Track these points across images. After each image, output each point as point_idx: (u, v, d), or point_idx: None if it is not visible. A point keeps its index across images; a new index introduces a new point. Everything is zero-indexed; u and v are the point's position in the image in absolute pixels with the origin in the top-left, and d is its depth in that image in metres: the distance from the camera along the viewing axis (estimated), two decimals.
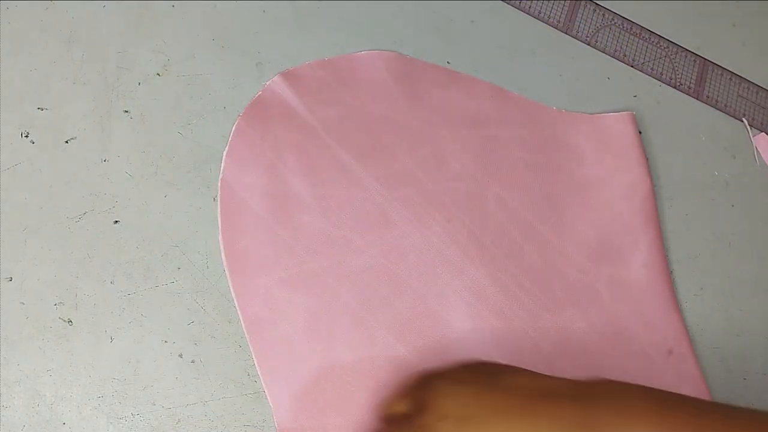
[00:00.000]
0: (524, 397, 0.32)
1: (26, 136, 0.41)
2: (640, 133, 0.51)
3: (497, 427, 0.31)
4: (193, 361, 0.39)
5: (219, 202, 0.42)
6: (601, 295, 0.45)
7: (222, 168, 0.43)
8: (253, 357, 0.39)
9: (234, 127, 0.44)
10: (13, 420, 0.36)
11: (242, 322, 0.40)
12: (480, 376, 0.34)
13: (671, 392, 0.31)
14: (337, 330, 0.40)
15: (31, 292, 0.38)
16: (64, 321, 0.38)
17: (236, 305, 0.40)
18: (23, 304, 0.38)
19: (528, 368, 0.41)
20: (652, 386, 0.39)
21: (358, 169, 0.44)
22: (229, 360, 0.39)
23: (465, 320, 0.42)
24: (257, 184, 0.43)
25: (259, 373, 0.39)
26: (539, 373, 0.34)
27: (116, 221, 0.41)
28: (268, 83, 0.45)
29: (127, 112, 0.43)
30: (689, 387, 0.43)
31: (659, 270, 0.46)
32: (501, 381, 0.33)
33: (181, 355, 0.39)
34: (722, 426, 0.29)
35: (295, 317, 0.40)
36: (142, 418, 0.37)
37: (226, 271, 0.40)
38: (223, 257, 0.41)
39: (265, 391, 0.38)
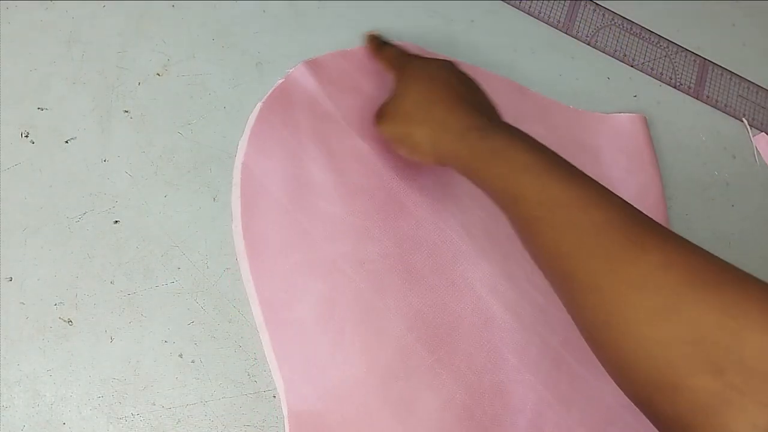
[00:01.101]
0: (460, 102, 0.38)
1: (26, 136, 0.41)
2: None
3: (423, 124, 0.38)
4: (193, 361, 0.39)
5: (239, 186, 0.42)
6: None
7: (242, 152, 0.43)
8: (268, 338, 0.39)
9: (255, 112, 0.44)
10: (13, 420, 0.36)
11: (258, 303, 0.40)
12: (455, 84, 0.40)
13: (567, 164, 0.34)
14: (349, 316, 0.40)
15: (31, 292, 0.38)
16: (64, 321, 0.38)
17: (252, 287, 0.40)
18: (23, 304, 0.38)
19: (537, 364, 0.41)
20: None
21: (376, 158, 0.44)
22: (229, 360, 0.39)
23: (475, 313, 0.42)
24: (277, 169, 0.43)
25: (271, 355, 0.39)
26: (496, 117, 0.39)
27: (116, 221, 0.41)
28: (291, 71, 0.46)
29: (127, 112, 0.43)
30: None
31: None
32: (469, 94, 0.39)
33: (181, 355, 0.39)
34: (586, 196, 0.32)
35: (310, 301, 0.40)
36: (142, 418, 0.37)
37: (243, 254, 0.41)
38: (242, 240, 0.41)
39: (277, 374, 0.39)
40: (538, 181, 0.32)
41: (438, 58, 0.43)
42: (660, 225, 0.30)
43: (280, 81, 0.45)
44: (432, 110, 0.38)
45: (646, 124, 0.51)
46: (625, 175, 0.49)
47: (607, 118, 0.51)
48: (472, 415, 0.40)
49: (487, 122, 0.37)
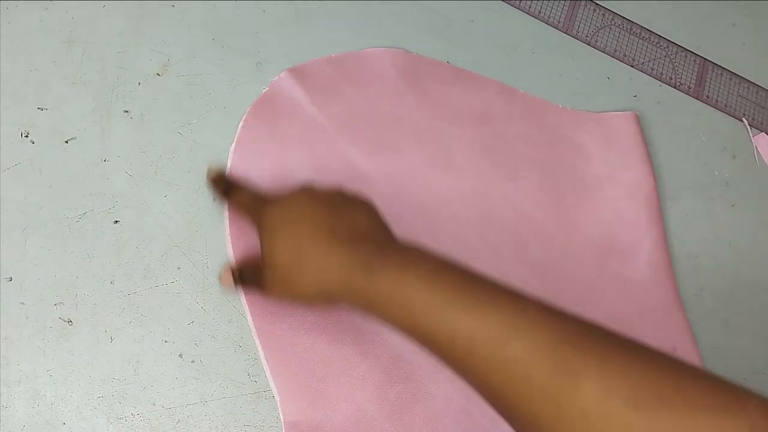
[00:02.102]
0: (334, 237, 0.33)
1: (26, 136, 0.41)
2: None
3: (298, 248, 0.33)
4: (193, 361, 0.39)
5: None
6: (605, 293, 0.45)
7: (229, 162, 0.43)
8: (260, 349, 0.39)
9: (241, 122, 0.44)
10: (13, 420, 0.36)
11: (249, 315, 0.40)
12: (327, 212, 0.35)
13: (453, 267, 0.31)
14: (343, 324, 0.40)
15: (31, 292, 0.38)
16: (64, 321, 0.38)
17: (243, 298, 0.40)
18: (23, 304, 0.38)
19: None
20: None
21: (365, 165, 0.44)
22: (229, 360, 0.39)
23: None
24: (264, 178, 0.43)
25: (266, 365, 0.39)
26: (382, 235, 0.35)
27: (116, 221, 0.41)
28: (275, 79, 0.45)
29: (127, 112, 0.43)
30: None
31: (663, 268, 0.46)
32: (336, 218, 0.34)
33: (181, 355, 0.39)
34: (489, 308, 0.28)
35: (302, 311, 0.40)
36: (142, 418, 0.37)
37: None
38: (231, 252, 0.41)
39: (272, 383, 0.38)
40: (446, 321, 0.28)
41: (292, 189, 0.37)
42: (598, 339, 0.27)
43: (264, 90, 0.45)
44: (305, 255, 0.33)
45: (638, 121, 0.51)
46: (617, 174, 0.49)
47: (598, 117, 0.51)
48: (470, 416, 0.40)
49: (372, 253, 0.32)
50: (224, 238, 0.41)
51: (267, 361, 0.39)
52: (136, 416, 0.37)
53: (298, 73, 0.46)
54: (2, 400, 0.36)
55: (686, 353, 0.44)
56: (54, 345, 0.37)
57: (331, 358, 0.39)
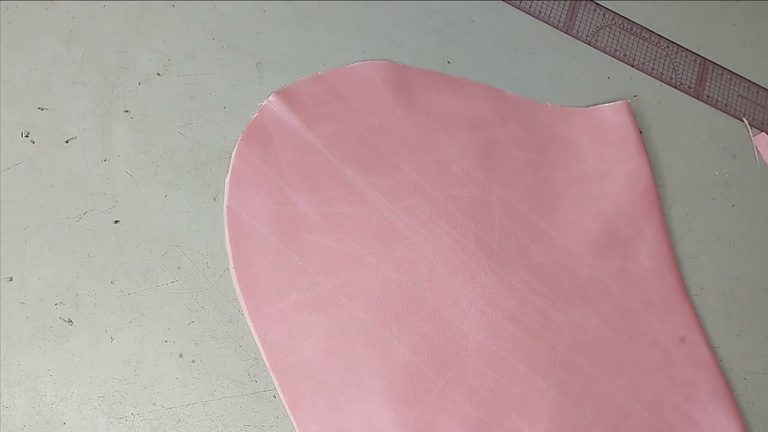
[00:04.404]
0: None
1: (26, 136, 0.41)
2: (641, 133, 0.51)
3: None
4: (193, 361, 0.39)
5: (227, 230, 0.42)
6: (610, 289, 0.45)
7: (226, 195, 0.43)
8: (276, 384, 0.39)
9: (234, 152, 0.44)
10: (13, 420, 0.36)
11: (261, 350, 0.40)
12: None
13: None
14: (355, 349, 0.40)
15: (31, 292, 0.38)
16: (64, 321, 0.38)
17: (253, 333, 0.40)
18: (23, 304, 0.38)
19: (547, 370, 0.42)
20: (668, 377, 0.42)
21: (361, 183, 0.44)
22: (229, 360, 0.39)
23: (480, 329, 0.42)
24: (263, 208, 0.42)
25: (283, 400, 0.39)
26: None
27: (116, 221, 0.41)
28: (264, 103, 0.45)
29: (127, 112, 0.43)
30: (704, 374, 0.43)
31: (666, 258, 0.46)
32: None
33: (181, 355, 0.39)
34: None
35: (314, 340, 0.40)
36: (142, 418, 0.37)
37: (241, 300, 0.40)
38: (237, 285, 0.41)
39: (291, 417, 0.38)
40: None
41: None
42: None
43: (255, 115, 0.45)
44: None
45: (630, 109, 0.50)
46: (612, 167, 0.48)
47: (588, 112, 0.50)
48: (489, 431, 0.40)
49: None
50: (224, 238, 0.41)
51: (283, 395, 0.39)
52: (137, 416, 0.37)
53: (286, 94, 0.46)
54: (2, 400, 0.36)
55: (694, 343, 0.44)
56: (54, 345, 0.37)
57: (346, 386, 0.39)
